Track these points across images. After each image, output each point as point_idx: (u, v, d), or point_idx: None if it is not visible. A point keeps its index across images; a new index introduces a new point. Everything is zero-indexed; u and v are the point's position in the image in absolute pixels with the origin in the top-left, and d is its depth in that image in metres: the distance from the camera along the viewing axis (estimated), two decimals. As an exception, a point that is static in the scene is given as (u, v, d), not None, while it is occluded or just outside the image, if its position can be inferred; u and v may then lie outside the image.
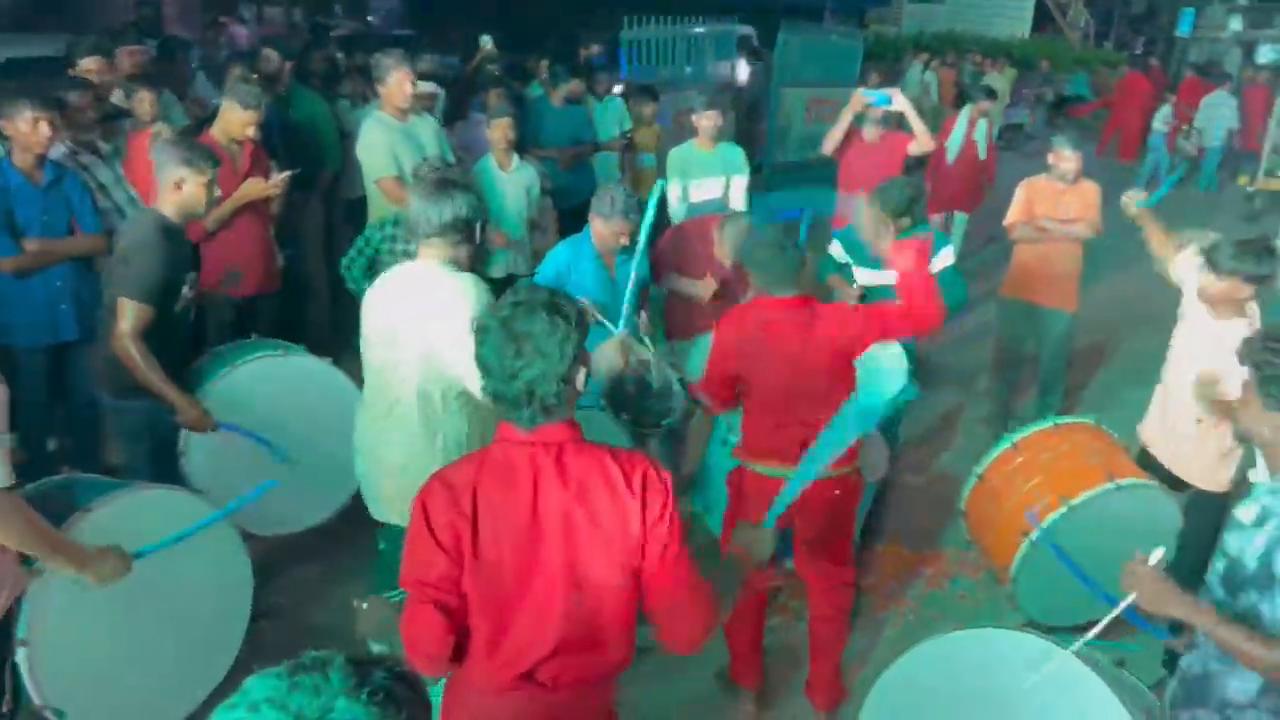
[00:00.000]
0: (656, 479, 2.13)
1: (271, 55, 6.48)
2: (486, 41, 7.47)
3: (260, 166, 4.96)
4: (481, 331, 2.09)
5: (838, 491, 3.56)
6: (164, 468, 3.90)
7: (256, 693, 1.16)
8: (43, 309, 4.44)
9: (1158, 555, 2.53)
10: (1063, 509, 3.99)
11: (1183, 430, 4.05)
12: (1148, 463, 4.21)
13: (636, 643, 2.23)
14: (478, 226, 3.25)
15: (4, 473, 2.64)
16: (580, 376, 2.12)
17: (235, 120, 4.77)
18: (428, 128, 5.51)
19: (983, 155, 8.74)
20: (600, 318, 4.38)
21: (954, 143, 8.75)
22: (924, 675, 2.86)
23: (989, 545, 4.40)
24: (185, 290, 3.84)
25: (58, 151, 4.59)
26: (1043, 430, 4.46)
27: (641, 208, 4.31)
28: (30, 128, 4.25)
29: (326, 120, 6.69)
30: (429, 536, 2.05)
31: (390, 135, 5.23)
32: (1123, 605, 2.62)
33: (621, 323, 4.52)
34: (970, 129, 8.71)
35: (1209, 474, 3.98)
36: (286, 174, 4.85)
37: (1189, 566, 3.97)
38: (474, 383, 2.97)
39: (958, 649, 2.83)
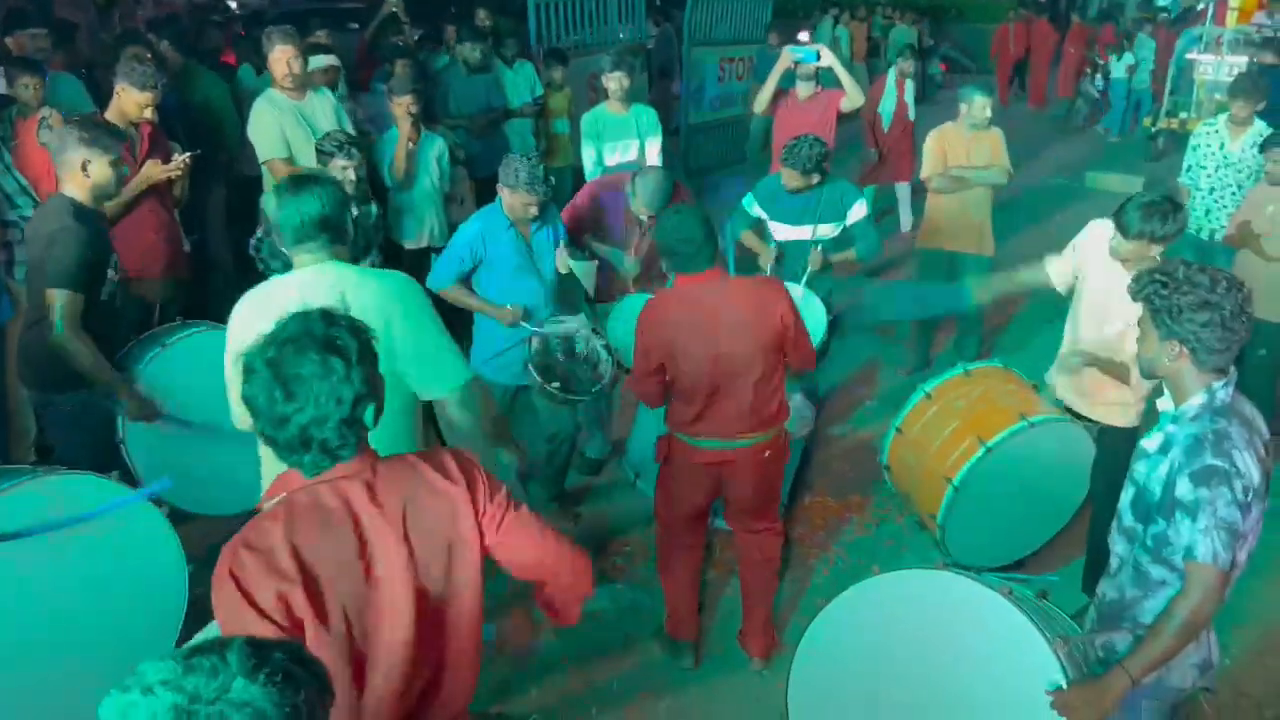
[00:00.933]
0: (465, 459, 2.06)
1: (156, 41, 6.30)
2: (396, 3, 7.30)
3: (160, 149, 4.81)
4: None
5: (768, 453, 3.60)
6: (104, 457, 3.79)
7: (151, 675, 1.14)
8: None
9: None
10: (980, 451, 4.09)
11: (1092, 381, 4.12)
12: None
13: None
14: (347, 220, 2.94)
15: None
16: (372, 413, 1.90)
17: (131, 102, 4.60)
18: (324, 104, 5.38)
19: (912, 116, 8.80)
20: (525, 324, 4.35)
21: (886, 107, 8.73)
22: (851, 620, 2.91)
23: (914, 494, 4.51)
24: (110, 273, 3.73)
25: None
26: (955, 378, 4.56)
27: (548, 179, 4.28)
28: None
29: (224, 100, 6.51)
30: (251, 613, 1.77)
31: (279, 114, 5.13)
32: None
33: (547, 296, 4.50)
34: (900, 91, 8.73)
35: (1118, 413, 4.08)
36: (186, 155, 4.70)
37: (1102, 498, 4.12)
38: (424, 382, 2.85)
39: (881, 592, 2.89)
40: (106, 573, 3.28)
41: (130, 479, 3.82)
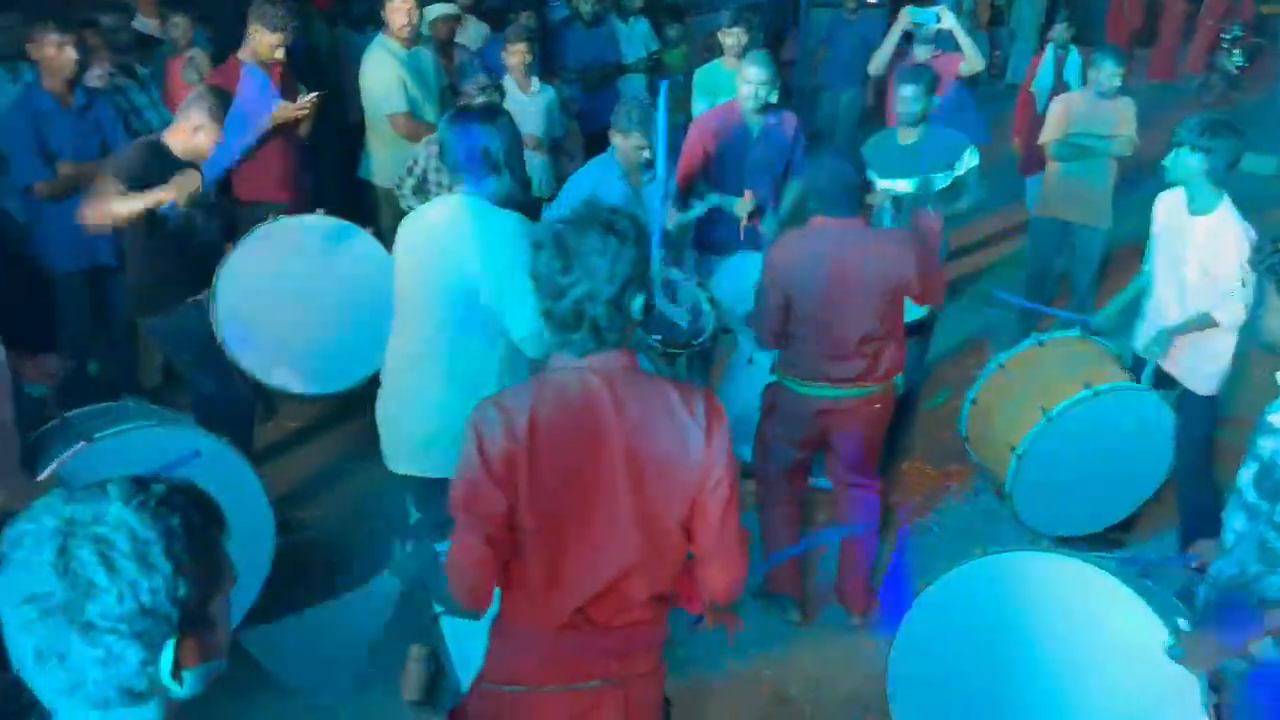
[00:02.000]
0: (718, 415, 2.03)
1: None
2: None
3: (289, 89, 4.97)
4: (536, 247, 2.00)
5: (877, 405, 3.61)
6: (215, 365, 3.98)
7: (39, 506, 1.21)
8: (79, 233, 4.48)
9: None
10: (1041, 420, 4.04)
11: (1189, 340, 4.02)
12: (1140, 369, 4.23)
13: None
14: (503, 156, 3.08)
15: None
16: (636, 304, 2.00)
17: (264, 43, 4.75)
18: (427, 56, 5.45)
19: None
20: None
21: (1043, 84, 7.58)
22: (956, 600, 2.86)
23: (989, 464, 4.47)
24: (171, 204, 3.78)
25: (93, 76, 4.61)
26: (1029, 349, 4.50)
27: (654, 119, 4.29)
28: (56, 51, 4.28)
29: (330, 46, 6.67)
30: (481, 464, 1.95)
31: (397, 67, 5.18)
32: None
33: (655, 244, 4.53)
34: (1059, 67, 7.59)
35: (1195, 374, 3.97)
36: (314, 95, 4.84)
37: (1187, 467, 4.02)
38: (510, 321, 2.94)
39: (991, 571, 2.84)
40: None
41: (241, 373, 4.02)
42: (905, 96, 4.79)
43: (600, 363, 1.99)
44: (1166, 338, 3.96)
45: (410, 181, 4.70)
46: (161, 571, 1.19)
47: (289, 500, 4.38)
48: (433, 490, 2.96)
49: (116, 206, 3.60)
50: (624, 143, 4.34)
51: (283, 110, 4.71)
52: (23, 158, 4.36)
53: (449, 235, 3.01)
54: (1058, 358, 4.39)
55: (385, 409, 3.21)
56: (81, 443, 3.09)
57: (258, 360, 4.01)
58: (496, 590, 2.06)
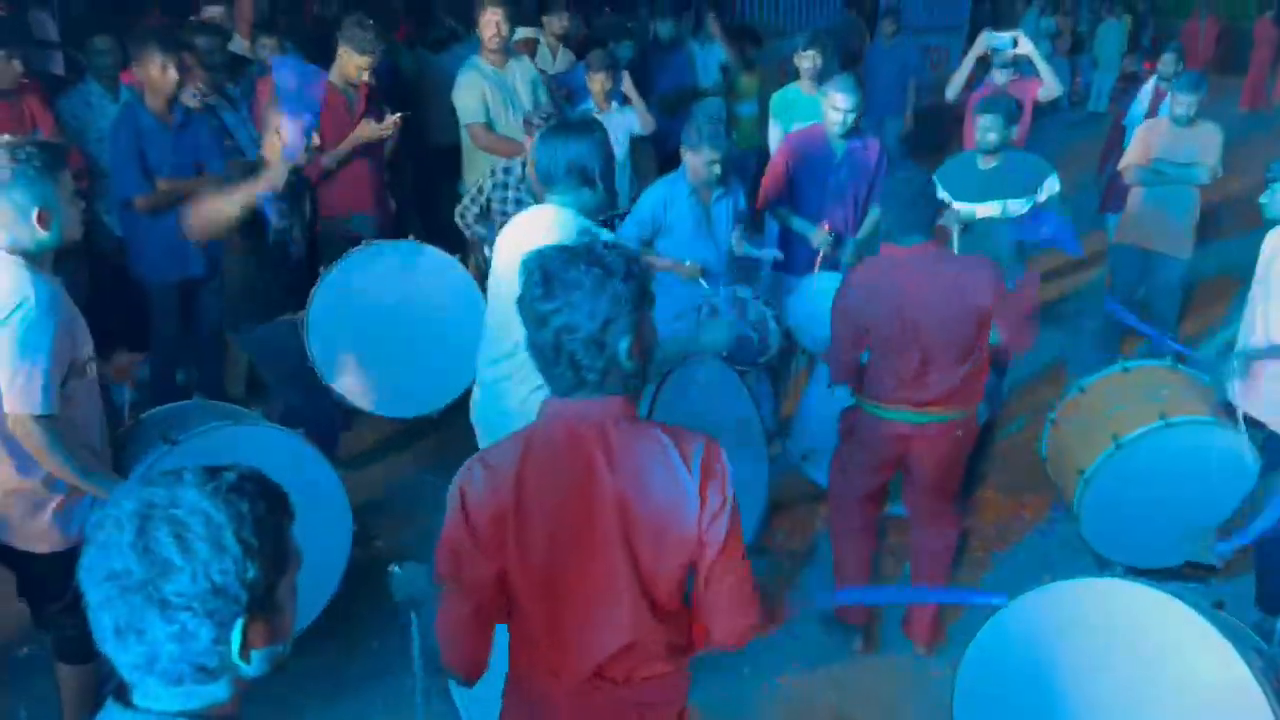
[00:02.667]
0: (717, 463, 1.91)
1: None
2: None
3: (373, 110, 5.11)
4: (523, 269, 1.90)
5: (959, 433, 3.58)
6: (304, 382, 4.13)
7: (119, 492, 1.30)
8: (173, 246, 4.67)
9: None
10: (1110, 447, 3.97)
11: (1268, 372, 3.89)
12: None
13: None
14: (598, 171, 3.17)
15: (43, 400, 2.67)
16: (625, 348, 1.86)
17: (351, 65, 4.89)
18: (524, 73, 5.55)
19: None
20: (700, 279, 4.43)
21: (1134, 118, 7.24)
22: (1025, 627, 2.82)
23: (1063, 487, 4.40)
24: (273, 215, 3.92)
25: (188, 96, 4.80)
26: (1113, 374, 4.43)
27: (730, 135, 4.37)
28: (160, 72, 4.47)
29: (418, 70, 6.82)
30: (466, 529, 1.87)
31: (482, 82, 5.34)
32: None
33: (723, 264, 4.59)
34: (1154, 102, 7.20)
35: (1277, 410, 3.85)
36: (398, 116, 4.98)
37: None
38: None
39: (1058, 599, 2.79)
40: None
41: (330, 396, 4.18)
42: (984, 126, 4.76)
43: (593, 410, 1.89)
44: (1244, 361, 3.82)
45: (474, 209, 4.81)
46: (232, 553, 1.26)
47: (364, 511, 4.47)
48: None
49: (221, 205, 3.73)
50: (694, 159, 4.40)
51: (367, 129, 4.85)
52: (125, 173, 4.55)
53: (537, 241, 3.08)
54: (1140, 385, 4.31)
55: (478, 412, 3.39)
56: (164, 446, 3.19)
57: (346, 382, 4.15)
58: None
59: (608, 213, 3.35)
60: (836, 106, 4.77)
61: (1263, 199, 3.76)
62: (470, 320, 3.72)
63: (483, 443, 3.41)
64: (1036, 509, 4.84)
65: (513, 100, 5.39)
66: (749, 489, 4.16)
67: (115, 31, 5.42)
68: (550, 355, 1.87)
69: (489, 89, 5.37)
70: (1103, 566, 4.17)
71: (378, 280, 4.28)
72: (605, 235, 3.13)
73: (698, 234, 4.51)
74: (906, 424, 3.51)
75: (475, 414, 3.43)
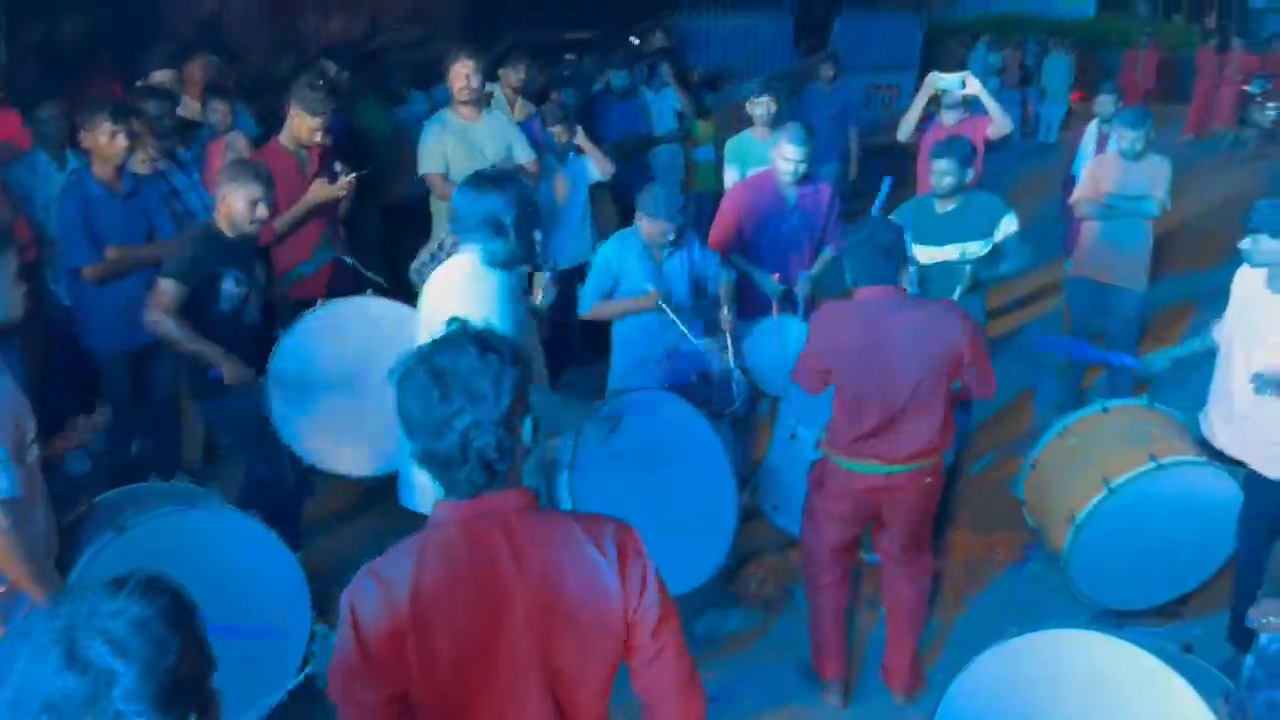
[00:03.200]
0: (630, 542, 1.83)
1: (329, 66, 6.62)
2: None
3: (327, 170, 5.06)
4: (402, 380, 1.76)
5: (929, 480, 3.56)
6: (266, 448, 4.06)
7: (16, 630, 1.30)
8: (123, 315, 4.58)
9: None
10: (1103, 491, 3.96)
11: (1242, 411, 3.89)
12: (1211, 450, 4.09)
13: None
14: (510, 222, 3.18)
15: (5, 483, 2.59)
16: (526, 428, 1.79)
17: (303, 126, 4.87)
18: (496, 127, 5.53)
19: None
20: (670, 312, 4.41)
21: (1082, 166, 7.01)
22: (995, 681, 2.80)
23: (1045, 530, 4.39)
24: (230, 286, 3.95)
25: (137, 162, 4.73)
26: (1093, 414, 4.45)
27: (686, 208, 4.40)
28: (109, 139, 4.41)
29: (385, 127, 6.79)
30: (357, 649, 1.72)
31: (444, 134, 5.33)
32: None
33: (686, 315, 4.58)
34: (1100, 145, 7.13)
35: (1264, 456, 3.84)
36: (352, 176, 4.94)
37: (1249, 551, 3.90)
38: None
39: (1028, 652, 2.77)
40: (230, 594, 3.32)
41: (295, 462, 4.08)
42: (940, 170, 4.80)
43: (492, 507, 1.77)
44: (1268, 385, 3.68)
45: (433, 266, 4.76)
46: (169, 647, 1.25)
47: (331, 578, 4.36)
48: None
49: (176, 336, 3.82)
50: (650, 225, 4.45)
51: (321, 191, 4.80)
52: (73, 243, 4.47)
53: (443, 293, 3.22)
54: (1122, 425, 4.33)
55: (400, 450, 3.42)
56: (110, 533, 3.09)
57: (309, 443, 4.06)
58: None
59: (529, 265, 3.37)
60: (787, 157, 4.81)
61: (1242, 245, 3.74)
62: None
63: (410, 493, 3.46)
64: (1008, 548, 4.83)
65: (480, 154, 5.35)
66: (711, 537, 4.12)
67: (62, 98, 5.38)
68: (456, 459, 1.73)
69: (451, 142, 5.34)
70: (1082, 608, 4.18)
71: (336, 338, 4.19)
72: (505, 276, 3.20)
73: (651, 288, 4.51)
74: (875, 476, 3.49)
75: (402, 461, 3.48)
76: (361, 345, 4.19)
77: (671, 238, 4.42)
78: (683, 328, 4.44)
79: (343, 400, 4.13)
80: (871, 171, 11.35)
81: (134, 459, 5.02)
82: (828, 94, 8.76)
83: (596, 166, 5.92)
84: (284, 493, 4.09)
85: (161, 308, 3.78)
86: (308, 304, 4.29)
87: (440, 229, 5.33)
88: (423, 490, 3.40)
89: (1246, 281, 3.88)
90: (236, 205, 3.91)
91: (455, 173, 5.32)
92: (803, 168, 4.82)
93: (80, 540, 3.16)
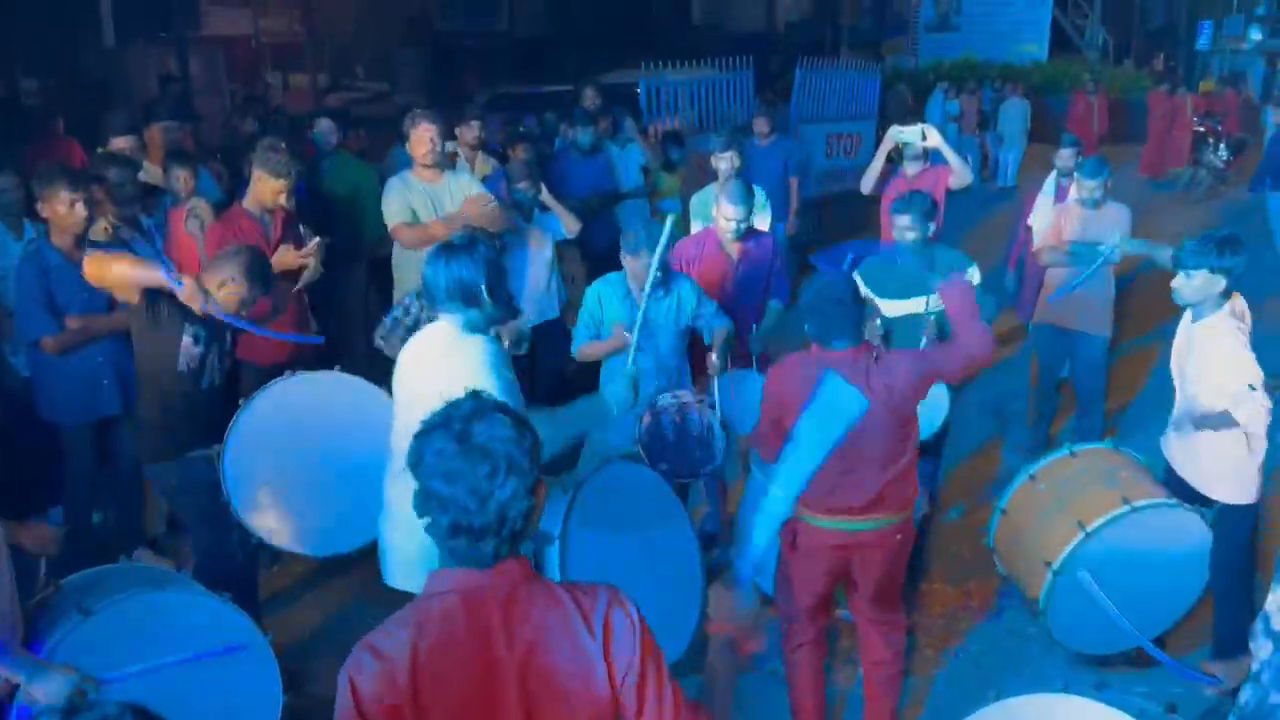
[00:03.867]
0: (623, 617, 1.83)
1: (324, 124, 6.60)
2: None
3: (291, 235, 5.02)
4: (432, 455, 1.75)
5: (899, 537, 3.55)
6: (219, 520, 3.94)
7: None
8: (85, 385, 4.53)
9: None
10: (1080, 536, 3.97)
11: (1201, 442, 4.01)
12: (1176, 483, 4.16)
13: None
14: (483, 287, 3.16)
15: None
16: (543, 492, 1.83)
17: (267, 189, 4.82)
18: (459, 187, 5.48)
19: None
20: (628, 335, 4.35)
21: (1042, 225, 6.73)
22: None
23: (1020, 578, 4.38)
24: (189, 342, 3.84)
25: (98, 230, 4.67)
26: (1060, 459, 4.46)
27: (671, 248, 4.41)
28: (67, 209, 4.35)
29: (371, 187, 6.77)
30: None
31: (407, 191, 5.28)
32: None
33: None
34: (1060, 198, 6.91)
35: (1234, 485, 3.94)
36: (317, 241, 4.90)
37: (1225, 587, 3.93)
38: None
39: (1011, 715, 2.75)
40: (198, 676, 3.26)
41: (244, 532, 3.96)
42: (902, 226, 4.83)
43: (494, 578, 1.79)
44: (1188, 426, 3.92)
45: (400, 331, 4.72)
46: None
47: (296, 654, 4.28)
48: None
49: (125, 269, 3.65)
50: (633, 263, 4.45)
51: (287, 257, 4.75)
52: (31, 314, 4.40)
53: (426, 361, 3.21)
54: (1090, 469, 4.35)
55: (381, 526, 3.44)
56: (78, 616, 3.01)
57: (263, 520, 3.97)
58: None
59: (505, 323, 3.37)
60: (727, 216, 4.86)
61: (1176, 285, 3.87)
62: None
63: (381, 553, 3.44)
64: (982, 597, 4.81)
65: (441, 212, 5.33)
66: (684, 604, 4.05)
67: (18, 163, 5.33)
68: (492, 528, 1.75)
69: (417, 201, 5.29)
70: (1061, 657, 4.18)
71: (297, 413, 4.12)
72: (486, 342, 3.17)
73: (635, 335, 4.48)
74: (843, 532, 3.48)
75: (382, 537, 3.44)
76: (322, 420, 4.13)
77: (658, 273, 4.38)
78: (665, 399, 4.40)
79: (301, 476, 4.04)
80: (836, 219, 11.58)
81: (96, 529, 4.92)
82: (765, 150, 8.54)
83: (564, 222, 5.93)
84: (234, 569, 3.98)
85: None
86: (274, 371, 4.23)
87: (404, 284, 5.29)
88: (401, 565, 3.36)
89: (1183, 333, 4.07)
90: (235, 293, 3.85)
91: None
92: (743, 226, 4.88)
93: (47, 623, 3.06)
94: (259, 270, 3.91)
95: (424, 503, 1.78)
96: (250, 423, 3.98)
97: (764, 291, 5.11)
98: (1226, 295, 3.88)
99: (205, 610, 3.30)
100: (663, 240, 3.96)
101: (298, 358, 4.65)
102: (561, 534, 3.62)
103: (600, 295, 4.59)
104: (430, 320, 4.59)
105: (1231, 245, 3.77)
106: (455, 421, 1.77)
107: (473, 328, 3.20)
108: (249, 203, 4.92)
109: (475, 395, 1.86)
